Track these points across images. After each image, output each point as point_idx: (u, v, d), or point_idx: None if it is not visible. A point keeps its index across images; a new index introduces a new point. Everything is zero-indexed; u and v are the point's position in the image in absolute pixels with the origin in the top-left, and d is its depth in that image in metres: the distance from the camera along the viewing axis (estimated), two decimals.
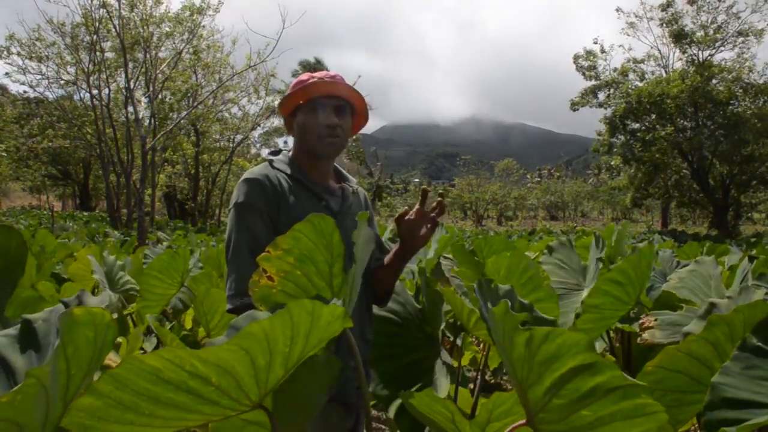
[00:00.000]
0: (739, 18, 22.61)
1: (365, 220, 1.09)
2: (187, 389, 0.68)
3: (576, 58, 25.32)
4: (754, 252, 1.85)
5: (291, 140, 1.63)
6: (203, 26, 19.46)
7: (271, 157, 1.55)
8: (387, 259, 1.55)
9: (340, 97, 1.51)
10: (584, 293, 2.38)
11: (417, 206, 1.42)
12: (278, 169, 1.50)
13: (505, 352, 0.77)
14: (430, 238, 1.46)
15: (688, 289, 1.85)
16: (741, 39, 22.65)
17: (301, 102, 1.50)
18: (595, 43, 25.10)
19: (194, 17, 18.56)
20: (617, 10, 25.07)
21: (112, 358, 1.10)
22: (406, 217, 1.42)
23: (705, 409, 0.93)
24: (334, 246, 1.02)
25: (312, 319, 0.75)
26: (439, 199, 1.43)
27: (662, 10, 23.72)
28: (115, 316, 2.95)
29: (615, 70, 24.70)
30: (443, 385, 1.56)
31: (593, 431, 0.70)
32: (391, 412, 1.54)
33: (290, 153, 1.59)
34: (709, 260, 2.03)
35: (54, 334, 0.78)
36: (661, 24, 23.90)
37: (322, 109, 1.48)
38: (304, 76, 1.54)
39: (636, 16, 24.69)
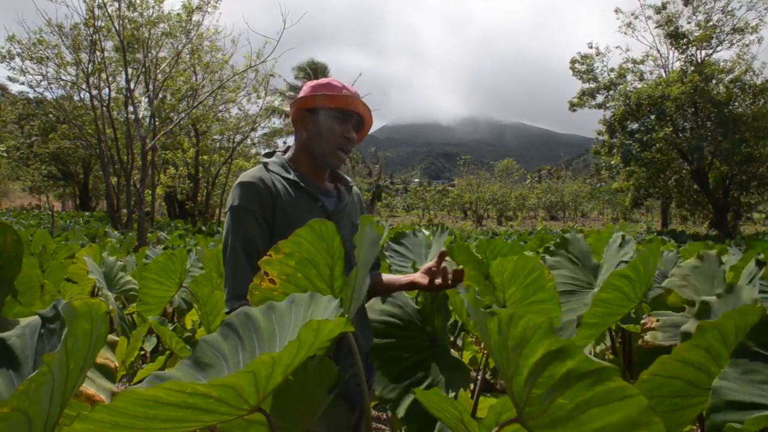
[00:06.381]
0: (734, 16, 22.61)
1: (368, 223, 1.09)
2: (187, 406, 0.67)
3: (572, 62, 25.28)
4: (761, 256, 1.79)
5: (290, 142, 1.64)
6: (202, 25, 19.43)
7: (265, 159, 1.56)
8: (388, 281, 1.65)
9: (359, 114, 1.56)
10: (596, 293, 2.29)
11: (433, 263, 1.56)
12: (273, 171, 1.50)
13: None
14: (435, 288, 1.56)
15: (693, 288, 1.82)
16: (738, 37, 22.65)
17: (331, 106, 1.51)
18: (591, 47, 25.11)
19: (192, 16, 18.51)
20: (616, 11, 25.01)
21: (108, 357, 1.08)
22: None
23: (709, 412, 0.91)
24: (334, 249, 1.02)
25: (316, 334, 0.76)
26: (459, 272, 1.52)
27: (657, 13, 23.69)
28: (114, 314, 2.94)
29: (612, 70, 24.64)
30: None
31: (573, 421, 0.68)
32: (401, 413, 1.54)
33: (286, 154, 1.59)
34: (713, 256, 1.98)
35: (31, 348, 0.76)
36: (658, 25, 23.87)
37: (348, 122, 1.53)
38: (336, 82, 1.56)
39: (634, 17, 24.64)
